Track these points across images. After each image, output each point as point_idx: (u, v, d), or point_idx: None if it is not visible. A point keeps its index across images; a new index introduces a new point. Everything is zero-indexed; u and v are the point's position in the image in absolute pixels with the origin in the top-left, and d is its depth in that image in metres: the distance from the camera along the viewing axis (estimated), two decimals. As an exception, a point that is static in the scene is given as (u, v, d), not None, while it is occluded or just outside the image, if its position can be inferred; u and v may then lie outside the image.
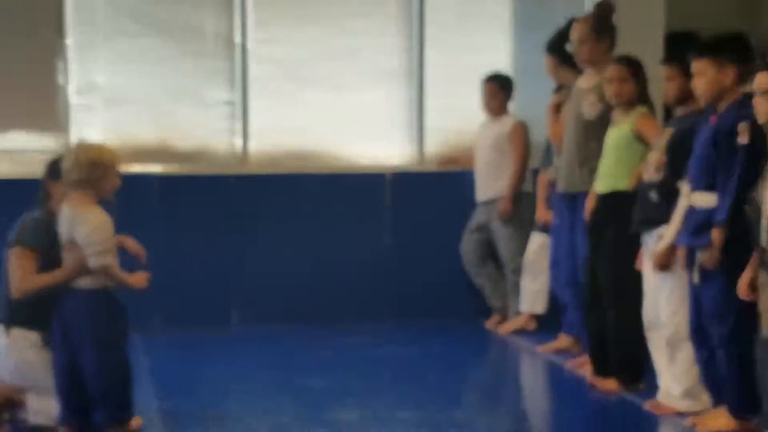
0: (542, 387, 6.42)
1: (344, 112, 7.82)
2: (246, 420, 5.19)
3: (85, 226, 4.79)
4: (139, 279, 4.92)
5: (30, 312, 4.95)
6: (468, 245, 7.57)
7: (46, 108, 7.46)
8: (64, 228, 4.86)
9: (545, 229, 6.99)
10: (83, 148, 4.95)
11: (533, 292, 7.22)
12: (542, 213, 6.99)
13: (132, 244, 5.15)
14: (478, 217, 7.54)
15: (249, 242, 7.61)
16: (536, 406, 5.88)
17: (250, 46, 7.64)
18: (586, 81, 6.15)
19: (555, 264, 6.59)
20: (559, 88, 6.72)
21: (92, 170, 4.82)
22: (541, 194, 7.04)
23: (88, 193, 4.84)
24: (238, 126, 7.68)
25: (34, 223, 4.98)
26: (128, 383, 4.89)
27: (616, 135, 5.74)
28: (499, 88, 7.41)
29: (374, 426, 5.08)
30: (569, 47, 6.32)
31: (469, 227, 7.56)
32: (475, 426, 5.19)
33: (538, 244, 7.16)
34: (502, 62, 7.86)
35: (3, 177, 7.27)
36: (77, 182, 4.82)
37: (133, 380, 4.93)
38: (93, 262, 4.76)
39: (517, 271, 7.28)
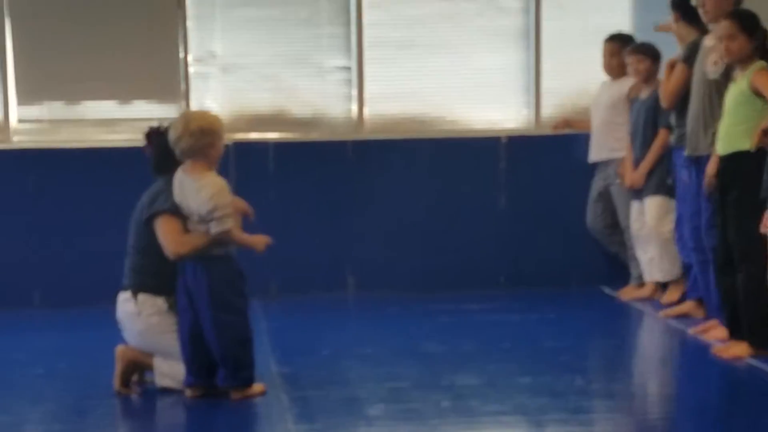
0: (665, 353, 6.30)
1: (459, 75, 7.79)
2: (366, 385, 5.23)
3: (203, 193, 4.87)
4: (259, 240, 5.01)
5: (156, 278, 5.09)
6: (593, 217, 7.50)
7: (165, 77, 7.58)
8: (181, 196, 4.97)
9: (637, 194, 7.04)
10: (192, 116, 5.04)
11: (646, 261, 7.17)
12: (629, 177, 7.02)
13: (240, 204, 5.21)
14: (596, 185, 7.47)
15: (364, 208, 7.64)
16: (658, 373, 5.80)
17: (365, 11, 7.65)
18: (710, 39, 5.98)
19: (680, 226, 6.51)
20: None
21: (202, 138, 4.91)
22: (628, 157, 7.09)
23: (200, 161, 4.93)
24: (354, 92, 7.71)
25: (166, 190, 5.05)
26: (247, 344, 4.99)
27: (734, 93, 5.60)
28: (620, 48, 7.25)
29: (493, 392, 5.08)
30: (694, 2, 6.11)
31: (591, 198, 7.50)
32: (595, 393, 5.16)
33: (636, 211, 7.14)
34: (622, 22, 7.72)
35: (126, 145, 7.45)
36: (188, 150, 4.91)
37: (252, 342, 5.02)
38: (214, 228, 4.87)
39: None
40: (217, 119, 5.04)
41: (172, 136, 4.94)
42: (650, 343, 6.59)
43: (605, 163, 7.38)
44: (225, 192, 4.92)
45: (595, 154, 7.44)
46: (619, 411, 4.93)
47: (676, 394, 5.31)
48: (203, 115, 5.07)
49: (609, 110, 7.31)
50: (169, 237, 4.98)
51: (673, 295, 6.98)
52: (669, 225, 6.85)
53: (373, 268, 7.65)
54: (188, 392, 5.03)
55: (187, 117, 5.00)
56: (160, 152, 5.15)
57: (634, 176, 7.02)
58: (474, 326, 6.63)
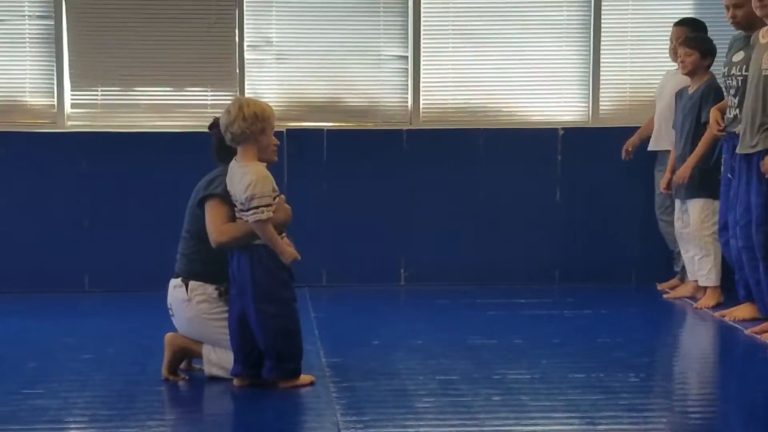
0: (720, 352, 6.20)
1: (516, 66, 7.77)
2: (415, 377, 5.19)
3: (244, 180, 4.81)
4: (290, 252, 4.87)
5: (207, 265, 5.05)
6: (662, 208, 7.35)
7: (220, 64, 7.61)
8: (229, 183, 4.93)
9: (679, 193, 6.92)
10: (246, 101, 4.96)
11: (688, 260, 7.07)
12: (677, 173, 6.86)
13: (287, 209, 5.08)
14: (659, 176, 7.30)
15: (417, 199, 7.64)
16: (713, 372, 5.71)
17: (422, 0, 7.63)
18: (765, 34, 5.94)
19: (726, 227, 6.41)
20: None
21: (255, 123, 4.86)
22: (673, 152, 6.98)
23: (251, 149, 4.88)
24: (410, 82, 7.69)
25: (222, 175, 5.02)
26: (292, 336, 4.92)
27: None
28: (688, 33, 7.03)
29: (545, 387, 5.02)
30: None
31: (657, 189, 7.34)
32: (649, 391, 5.09)
33: (678, 209, 7.03)
34: (684, 14, 7.52)
35: (179, 131, 7.50)
36: (239, 135, 4.86)
37: (299, 334, 4.96)
38: (251, 217, 4.83)
39: None
40: (270, 107, 5.01)
41: (224, 120, 4.89)
42: (705, 342, 6.47)
43: (664, 154, 7.26)
44: (266, 182, 4.84)
45: (654, 143, 7.33)
46: (673, 410, 4.85)
47: (731, 394, 5.22)
48: (256, 101, 5.04)
49: (672, 99, 7.13)
50: (212, 224, 4.95)
51: (709, 300, 6.86)
52: (712, 228, 6.73)
53: (426, 260, 7.64)
54: (236, 382, 5.00)
55: (241, 101, 4.96)
56: (221, 141, 5.10)
57: (680, 172, 6.83)
58: (526, 320, 6.60)
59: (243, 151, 4.90)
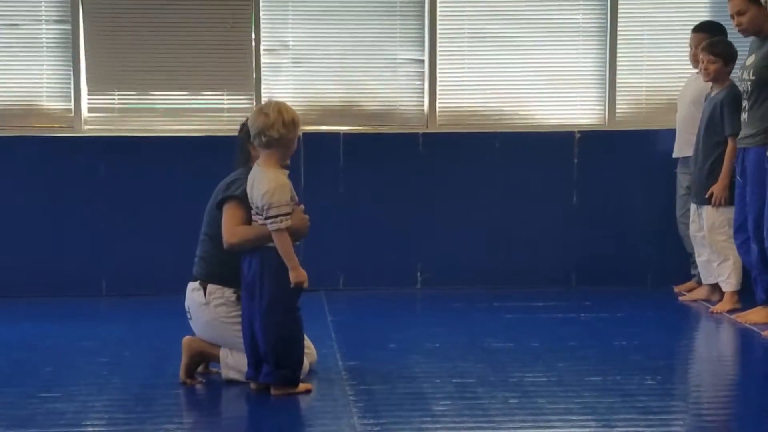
0: (737, 355, 6.19)
1: (533, 70, 7.77)
2: (432, 380, 5.21)
3: (262, 186, 4.81)
4: (300, 273, 4.81)
5: (225, 268, 5.06)
6: (682, 212, 7.33)
7: (236, 68, 7.62)
8: (249, 187, 4.93)
9: (697, 198, 6.92)
10: (283, 106, 4.88)
11: (702, 264, 7.09)
12: (715, 192, 6.82)
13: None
14: (681, 180, 7.33)
15: (434, 202, 7.66)
16: (729, 374, 5.70)
17: (439, 3, 7.63)
18: None
19: (741, 228, 6.43)
20: None
21: (293, 129, 4.84)
22: None
23: (275, 153, 4.86)
24: (426, 85, 7.71)
25: (243, 178, 5.03)
26: (291, 344, 4.90)
27: None
28: (708, 38, 6.94)
29: (561, 390, 5.04)
30: None
31: (678, 192, 7.37)
32: (666, 393, 5.09)
33: (694, 213, 7.04)
34: (701, 17, 7.54)
35: (196, 134, 7.54)
36: (277, 139, 4.83)
37: (300, 342, 4.95)
38: (270, 226, 4.82)
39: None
40: (297, 114, 4.98)
41: (260, 122, 4.80)
42: (722, 344, 6.48)
43: (686, 159, 7.22)
44: (284, 190, 4.83)
45: (677, 150, 7.30)
46: (690, 412, 4.87)
47: (747, 397, 5.22)
48: (289, 107, 4.95)
49: (692, 105, 7.12)
50: (226, 225, 4.96)
51: (725, 305, 6.83)
52: (726, 233, 6.74)
53: (442, 263, 7.65)
54: (252, 385, 5.02)
55: (280, 106, 4.85)
56: (244, 144, 5.13)
57: (717, 189, 6.77)
58: (543, 323, 6.61)
59: (267, 155, 4.87)
